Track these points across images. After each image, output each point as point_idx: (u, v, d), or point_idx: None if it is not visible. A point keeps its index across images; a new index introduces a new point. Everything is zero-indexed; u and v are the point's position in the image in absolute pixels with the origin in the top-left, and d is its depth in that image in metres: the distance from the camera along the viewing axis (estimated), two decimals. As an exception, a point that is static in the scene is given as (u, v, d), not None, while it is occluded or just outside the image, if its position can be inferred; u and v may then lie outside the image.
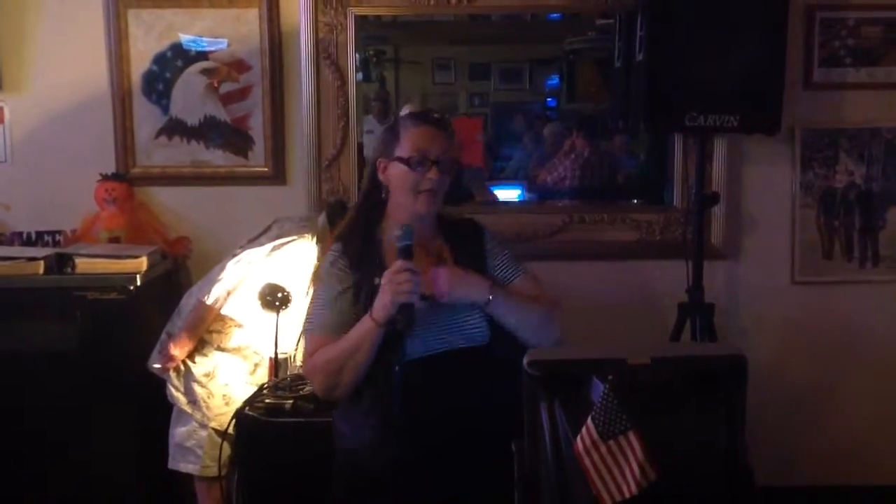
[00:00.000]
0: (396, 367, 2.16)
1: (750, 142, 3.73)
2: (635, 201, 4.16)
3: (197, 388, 3.22)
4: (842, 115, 3.83)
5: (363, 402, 2.23)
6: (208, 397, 3.21)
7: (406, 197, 2.28)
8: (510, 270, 2.39)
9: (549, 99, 4.68)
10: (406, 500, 2.21)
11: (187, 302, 3.26)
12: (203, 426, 3.21)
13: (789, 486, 3.69)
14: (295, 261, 3.11)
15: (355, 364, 2.18)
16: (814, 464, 3.90)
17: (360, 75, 3.81)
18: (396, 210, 2.32)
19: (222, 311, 3.15)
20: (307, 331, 2.32)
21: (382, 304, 2.13)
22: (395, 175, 2.29)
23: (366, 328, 2.16)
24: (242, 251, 3.15)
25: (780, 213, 3.86)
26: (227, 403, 3.20)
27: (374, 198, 2.36)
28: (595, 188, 4.23)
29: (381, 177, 2.33)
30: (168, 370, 3.22)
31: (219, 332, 3.24)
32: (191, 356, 3.23)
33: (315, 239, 3.16)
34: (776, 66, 3.33)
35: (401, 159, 2.27)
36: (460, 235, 2.40)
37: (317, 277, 2.30)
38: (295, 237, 3.15)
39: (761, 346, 3.71)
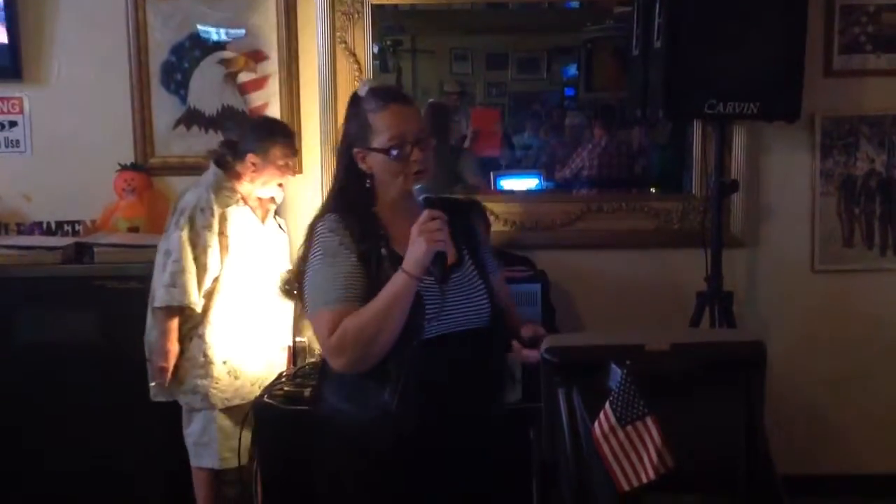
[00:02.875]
0: (415, 343, 2.10)
1: (769, 129, 3.70)
2: (653, 190, 4.13)
3: (199, 381, 3.23)
4: (862, 102, 3.79)
5: (381, 377, 2.12)
6: (214, 384, 3.23)
7: (394, 181, 2.20)
8: (494, 263, 2.37)
9: (566, 88, 4.65)
10: (418, 476, 2.16)
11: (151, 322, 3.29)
12: (212, 420, 3.23)
13: (809, 474, 3.66)
14: (205, 218, 3.19)
15: (393, 325, 2.06)
16: (834, 452, 3.89)
17: (377, 65, 3.80)
18: (386, 192, 2.23)
19: (176, 304, 3.15)
20: (319, 307, 2.13)
21: (416, 255, 2.05)
22: (377, 165, 2.19)
23: (400, 284, 2.05)
24: (162, 244, 3.21)
25: (800, 200, 3.83)
26: (235, 377, 3.24)
27: (359, 186, 2.23)
28: (613, 177, 4.21)
29: (361, 166, 2.22)
30: (167, 382, 3.21)
31: (188, 324, 3.24)
32: (179, 358, 3.22)
33: (212, 189, 3.23)
34: (796, 53, 3.30)
35: (379, 150, 2.17)
36: (453, 210, 2.28)
37: (317, 250, 2.15)
38: (194, 201, 3.21)
39: (781, 335, 3.69)
